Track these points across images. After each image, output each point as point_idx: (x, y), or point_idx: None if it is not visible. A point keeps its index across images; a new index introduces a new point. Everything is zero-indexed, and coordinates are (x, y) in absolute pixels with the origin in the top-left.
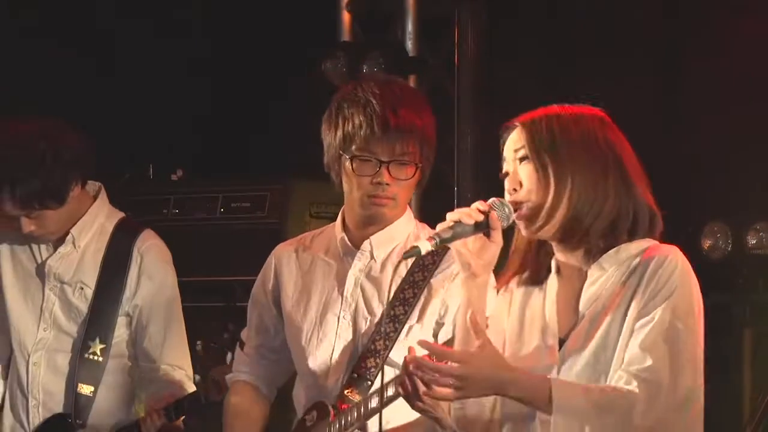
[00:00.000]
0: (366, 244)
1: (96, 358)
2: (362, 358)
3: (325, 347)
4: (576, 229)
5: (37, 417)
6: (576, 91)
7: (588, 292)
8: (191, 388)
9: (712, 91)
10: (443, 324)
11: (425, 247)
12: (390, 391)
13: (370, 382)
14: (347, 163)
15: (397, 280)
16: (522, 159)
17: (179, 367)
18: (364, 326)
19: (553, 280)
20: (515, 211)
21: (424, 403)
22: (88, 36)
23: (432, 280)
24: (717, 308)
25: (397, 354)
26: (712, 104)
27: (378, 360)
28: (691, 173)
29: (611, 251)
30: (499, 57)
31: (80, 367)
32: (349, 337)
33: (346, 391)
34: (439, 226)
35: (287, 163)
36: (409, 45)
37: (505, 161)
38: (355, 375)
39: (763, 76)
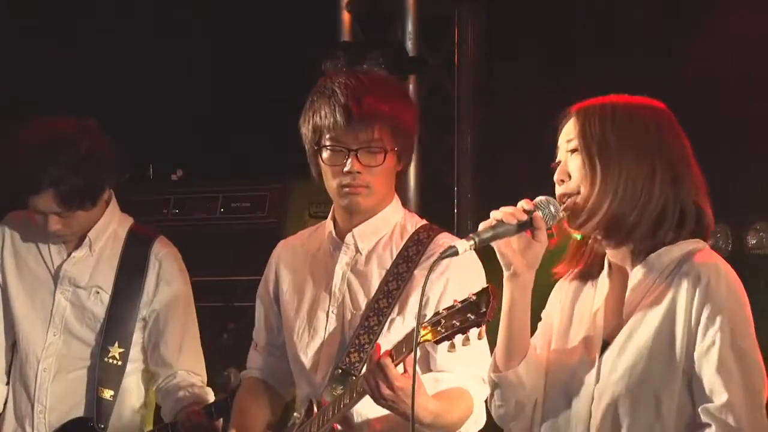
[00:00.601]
0: (349, 237)
1: (116, 362)
2: (347, 353)
3: (316, 344)
4: (619, 226)
5: (42, 423)
6: (576, 91)
7: (630, 296)
8: (208, 393)
9: (712, 91)
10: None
11: (463, 246)
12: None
13: (354, 377)
14: (320, 155)
15: (382, 273)
16: (573, 151)
17: (195, 373)
18: (349, 320)
19: (604, 279)
20: (562, 203)
21: (388, 401)
22: (88, 36)
23: (415, 272)
24: None
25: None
26: (712, 104)
27: (362, 354)
28: None
29: (653, 254)
30: (499, 57)
31: (100, 371)
32: (338, 333)
33: (330, 387)
34: (481, 225)
35: (287, 163)
36: (409, 45)
37: (559, 150)
38: (339, 370)
39: (763, 76)
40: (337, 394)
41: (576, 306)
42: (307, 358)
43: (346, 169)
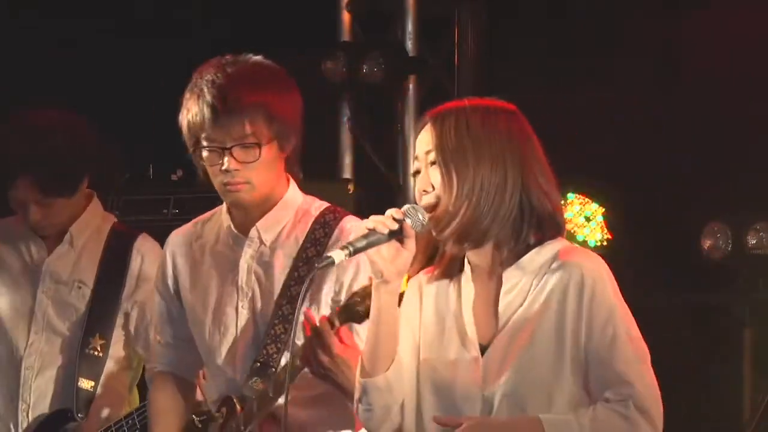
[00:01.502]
0: (253, 231)
1: (96, 353)
2: (263, 345)
3: (228, 341)
4: (476, 231)
5: (26, 420)
6: (576, 91)
7: (506, 299)
8: None
9: (712, 91)
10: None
11: (339, 256)
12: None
13: (273, 369)
14: (199, 155)
15: (290, 261)
16: (432, 163)
17: None
18: (260, 315)
19: (468, 282)
20: (428, 213)
21: (325, 369)
22: (87, 36)
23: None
24: (717, 308)
25: (300, 340)
26: (712, 104)
27: (279, 345)
28: (691, 173)
29: (526, 256)
30: (499, 57)
31: (80, 361)
32: (251, 327)
33: (250, 381)
34: (354, 234)
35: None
36: (409, 45)
37: (417, 159)
38: (258, 364)
39: (763, 76)
40: (258, 388)
41: (437, 308)
42: (221, 357)
43: (223, 167)
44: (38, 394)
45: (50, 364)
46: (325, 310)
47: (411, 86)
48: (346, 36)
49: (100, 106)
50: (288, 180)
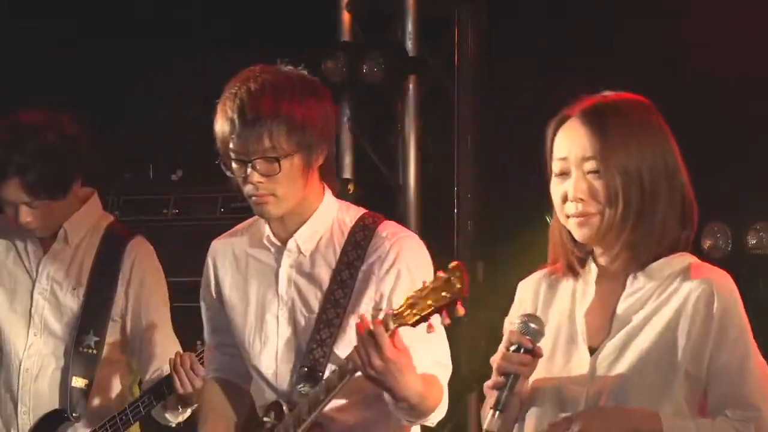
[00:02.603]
0: (292, 243)
1: (90, 351)
2: (309, 351)
3: (270, 349)
4: (641, 242)
5: (27, 423)
6: (576, 91)
7: (626, 302)
8: None
9: (712, 91)
10: (381, 309)
11: (495, 426)
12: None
13: (321, 373)
14: (229, 165)
15: (329, 271)
16: (593, 171)
17: None
18: (303, 323)
19: (589, 284)
20: (580, 217)
21: (377, 372)
22: (87, 36)
23: (362, 267)
24: None
25: (341, 349)
26: (712, 104)
27: (325, 349)
28: (691, 173)
29: (656, 263)
30: (499, 57)
31: (74, 360)
32: (291, 335)
33: (299, 386)
34: (492, 392)
35: None
36: (409, 45)
37: (564, 160)
38: (305, 369)
39: (763, 76)
40: (306, 393)
41: (552, 307)
42: (263, 366)
43: (248, 180)
44: (37, 397)
45: (48, 365)
46: (367, 317)
47: (411, 86)
48: (346, 36)
49: (100, 106)
50: (323, 189)
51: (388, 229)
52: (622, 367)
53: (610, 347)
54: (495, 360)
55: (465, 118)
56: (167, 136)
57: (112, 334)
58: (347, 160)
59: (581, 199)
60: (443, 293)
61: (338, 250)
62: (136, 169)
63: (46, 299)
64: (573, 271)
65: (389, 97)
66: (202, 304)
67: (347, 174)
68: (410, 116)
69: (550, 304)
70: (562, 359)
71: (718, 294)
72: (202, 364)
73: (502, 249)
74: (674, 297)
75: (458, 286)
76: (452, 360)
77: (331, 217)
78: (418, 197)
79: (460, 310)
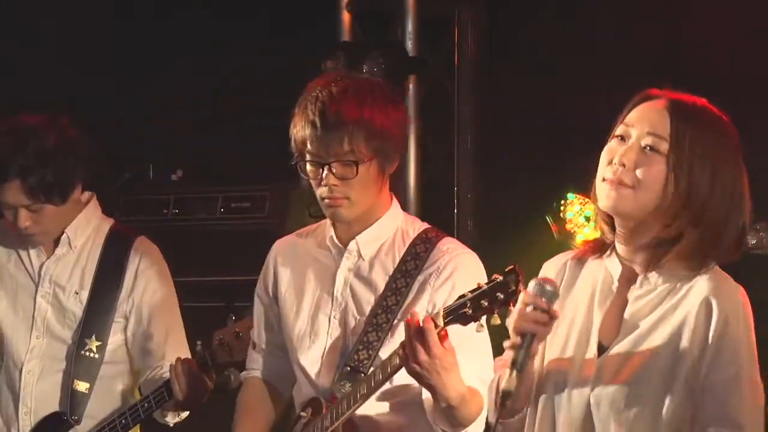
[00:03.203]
0: (353, 245)
1: (92, 354)
2: (354, 351)
3: (318, 347)
4: (665, 240)
5: (28, 424)
6: (576, 91)
7: (635, 306)
8: None
9: (713, 91)
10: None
11: (512, 384)
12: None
13: (362, 374)
14: (303, 167)
15: (386, 278)
16: (653, 147)
17: None
18: (353, 325)
19: (613, 282)
20: (614, 183)
21: (422, 367)
22: (87, 36)
23: (420, 276)
24: None
25: (387, 353)
26: (713, 104)
27: (371, 351)
28: None
29: (666, 266)
30: (499, 57)
31: (76, 363)
32: (340, 337)
33: (339, 384)
34: (508, 352)
35: (287, 164)
36: (409, 45)
37: (629, 126)
38: (348, 368)
39: (763, 75)
40: (346, 391)
41: (571, 294)
42: (309, 362)
43: (323, 182)
44: (39, 399)
45: (50, 368)
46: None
47: (411, 86)
48: (346, 36)
49: (100, 106)
50: (391, 198)
51: (449, 244)
52: (625, 374)
53: (617, 350)
54: (511, 321)
55: (465, 118)
56: (167, 136)
57: (115, 337)
58: None
59: (623, 165)
60: (498, 294)
61: (398, 259)
62: (136, 169)
63: (49, 302)
64: (603, 252)
65: None
66: (256, 301)
67: None
68: (410, 116)
69: (569, 291)
70: (574, 352)
71: (720, 308)
72: (201, 365)
73: (502, 249)
74: (682, 304)
75: (513, 287)
76: None
77: (395, 226)
78: (418, 197)
79: (497, 320)
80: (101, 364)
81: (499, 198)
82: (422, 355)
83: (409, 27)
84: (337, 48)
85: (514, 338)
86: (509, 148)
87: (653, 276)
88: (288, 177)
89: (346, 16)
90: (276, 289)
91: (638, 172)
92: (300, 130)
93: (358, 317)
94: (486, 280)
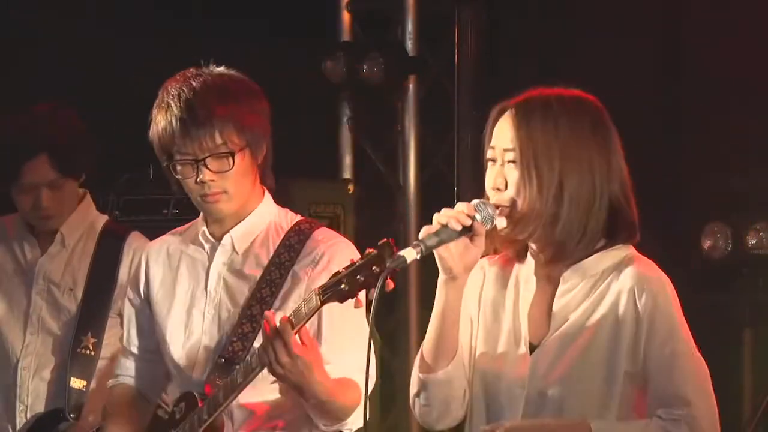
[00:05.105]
0: (227, 239)
1: (88, 352)
2: (229, 343)
3: (192, 343)
4: (553, 234)
5: (25, 421)
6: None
7: (562, 300)
8: None
9: (713, 91)
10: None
11: (411, 255)
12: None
13: (238, 366)
14: (173, 169)
15: (261, 270)
16: (511, 161)
17: None
18: (227, 318)
19: (530, 276)
20: (498, 209)
21: (284, 368)
22: (87, 36)
23: (295, 267)
24: (717, 308)
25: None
26: (713, 104)
27: (245, 343)
28: (691, 173)
29: (589, 259)
30: (499, 57)
31: (72, 361)
32: (215, 331)
33: (212, 376)
34: (424, 231)
35: (287, 163)
36: (409, 45)
37: (492, 149)
38: (222, 360)
39: (763, 75)
40: (221, 383)
41: (496, 297)
42: (183, 358)
43: (198, 179)
44: (35, 395)
45: (46, 365)
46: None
47: (411, 86)
48: (346, 36)
49: (100, 107)
50: (263, 192)
51: (323, 233)
52: (561, 369)
53: (548, 345)
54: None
55: (465, 118)
56: None
57: (111, 333)
58: (347, 160)
59: (498, 189)
60: (374, 268)
61: (272, 251)
62: (136, 169)
63: (44, 299)
64: (520, 258)
65: (389, 97)
66: (126, 305)
67: (347, 174)
68: (410, 116)
69: (492, 290)
70: (505, 349)
71: (646, 290)
72: None
73: None
74: (607, 295)
75: (389, 261)
76: None
77: (268, 219)
78: (418, 197)
79: (390, 285)
80: (98, 361)
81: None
82: (283, 357)
83: (409, 27)
84: (337, 48)
85: (434, 224)
86: None
87: (571, 272)
88: (288, 176)
89: (346, 16)
90: (148, 289)
91: (511, 189)
92: (164, 129)
93: (232, 309)
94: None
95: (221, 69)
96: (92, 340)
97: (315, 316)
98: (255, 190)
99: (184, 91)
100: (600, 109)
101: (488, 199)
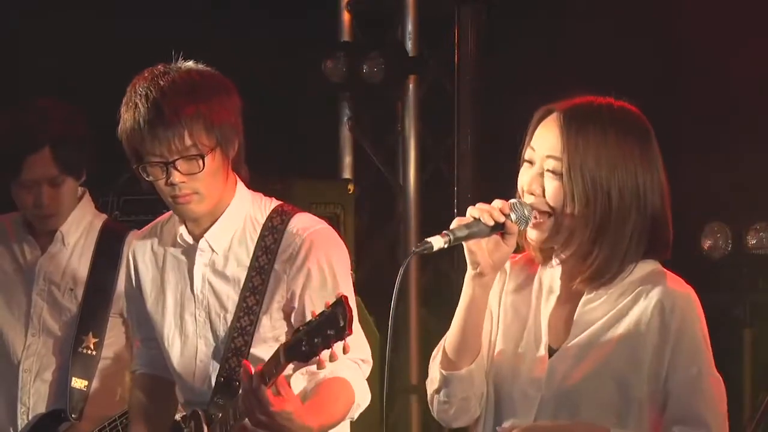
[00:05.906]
0: (203, 243)
1: (89, 351)
2: (225, 359)
3: (189, 349)
4: (589, 248)
5: (26, 423)
6: (576, 91)
7: (585, 309)
8: None
9: (713, 91)
10: (294, 307)
11: (438, 243)
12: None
13: (237, 383)
14: (144, 171)
15: (243, 270)
16: (551, 171)
17: None
18: (219, 323)
19: (555, 279)
20: (533, 212)
21: (264, 426)
22: (87, 36)
23: (276, 266)
24: (717, 308)
25: (258, 350)
26: (713, 104)
27: (240, 358)
28: (691, 173)
29: (618, 275)
30: (499, 57)
31: (74, 361)
32: (209, 335)
33: (216, 398)
34: (456, 222)
35: (287, 163)
36: (409, 45)
37: (533, 150)
38: (222, 379)
39: (763, 75)
40: (222, 403)
41: (516, 297)
42: (182, 365)
43: (168, 181)
44: (37, 397)
45: (48, 365)
46: (277, 316)
47: (411, 86)
48: (346, 36)
49: (100, 106)
50: (236, 181)
51: (298, 224)
52: (578, 376)
53: (567, 352)
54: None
55: (465, 118)
56: None
57: (112, 333)
58: (347, 160)
59: (533, 194)
60: (328, 331)
61: (251, 248)
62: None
63: (45, 300)
64: (545, 260)
65: (389, 97)
66: (126, 299)
67: (347, 174)
68: (410, 116)
69: (514, 290)
70: (523, 350)
71: (675, 309)
72: None
73: None
74: (634, 308)
75: (342, 324)
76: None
77: (243, 213)
78: (418, 197)
79: (347, 349)
80: (99, 361)
81: (498, 198)
82: (260, 416)
83: (409, 27)
84: (337, 48)
85: (467, 216)
86: (509, 148)
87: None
88: (288, 176)
89: (346, 16)
90: (139, 285)
91: (549, 199)
92: (133, 130)
93: (222, 313)
94: (345, 266)
95: (190, 64)
96: (93, 340)
97: (298, 306)
98: (228, 186)
99: (151, 90)
100: (646, 122)
101: (522, 198)
